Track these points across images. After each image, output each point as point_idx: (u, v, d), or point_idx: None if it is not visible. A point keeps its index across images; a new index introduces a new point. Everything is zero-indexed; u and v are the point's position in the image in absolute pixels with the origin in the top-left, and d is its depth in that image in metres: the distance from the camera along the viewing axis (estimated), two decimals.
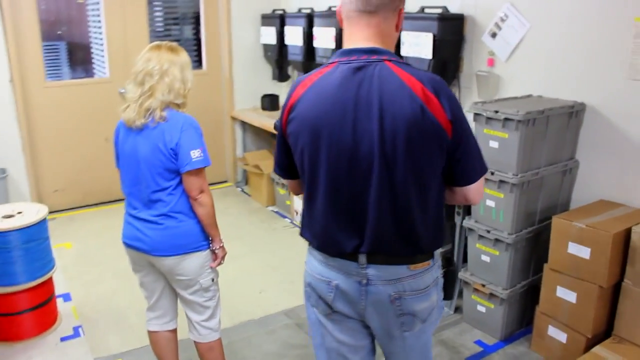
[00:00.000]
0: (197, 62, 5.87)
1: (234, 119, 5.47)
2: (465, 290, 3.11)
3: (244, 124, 5.49)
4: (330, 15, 4.33)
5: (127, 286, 3.43)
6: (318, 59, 4.54)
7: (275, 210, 4.97)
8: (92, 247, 4.19)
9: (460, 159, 1.50)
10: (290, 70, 5.36)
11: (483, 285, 2.96)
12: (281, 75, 5.33)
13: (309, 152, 1.51)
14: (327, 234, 1.56)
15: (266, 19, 5.25)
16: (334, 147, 1.47)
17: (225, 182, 5.69)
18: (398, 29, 1.53)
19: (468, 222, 2.97)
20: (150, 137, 2.09)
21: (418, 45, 3.47)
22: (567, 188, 3.02)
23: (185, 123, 2.10)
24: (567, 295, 2.66)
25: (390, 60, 1.45)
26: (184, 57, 2.17)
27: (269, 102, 5.36)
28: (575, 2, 2.87)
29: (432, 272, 1.59)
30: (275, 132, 1.95)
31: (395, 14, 1.49)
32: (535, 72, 3.10)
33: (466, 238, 3.09)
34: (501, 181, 2.74)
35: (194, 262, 2.23)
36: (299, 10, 4.89)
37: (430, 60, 3.40)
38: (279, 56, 5.15)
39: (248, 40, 5.39)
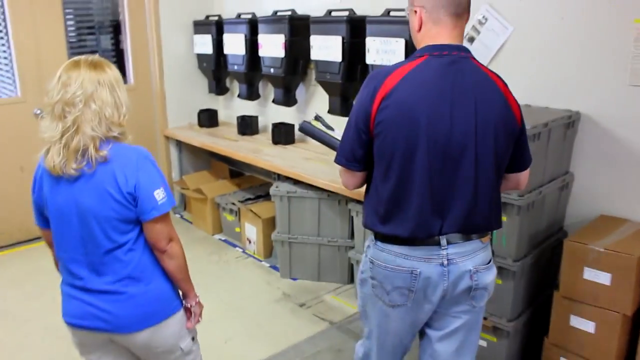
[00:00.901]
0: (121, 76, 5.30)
1: (167, 138, 4.92)
2: None
3: (179, 144, 4.95)
4: (277, 21, 3.92)
5: (66, 351, 2.84)
6: (264, 69, 4.10)
7: (223, 238, 4.48)
8: (12, 300, 3.52)
9: (521, 147, 1.75)
10: (229, 82, 4.89)
11: (485, 318, 2.65)
12: (219, 87, 4.85)
13: (406, 136, 1.60)
14: (421, 216, 1.64)
15: (200, 27, 4.75)
16: (432, 132, 1.58)
17: None
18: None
19: None
20: (93, 182, 1.64)
21: (387, 52, 3.14)
22: (563, 204, 2.79)
23: (140, 157, 1.69)
24: (583, 324, 2.41)
25: (473, 57, 1.67)
26: (112, 73, 1.69)
27: (207, 117, 4.87)
28: (565, 3, 2.64)
29: (490, 246, 1.79)
30: (302, 132, 2.29)
31: (467, 19, 1.70)
32: (520, 79, 2.85)
33: None
34: (505, 203, 2.45)
35: (172, 328, 1.82)
36: (239, 15, 4.44)
37: None
38: (216, 67, 4.67)
39: (180, 50, 4.86)
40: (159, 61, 4.75)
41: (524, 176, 1.83)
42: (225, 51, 4.45)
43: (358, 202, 3.23)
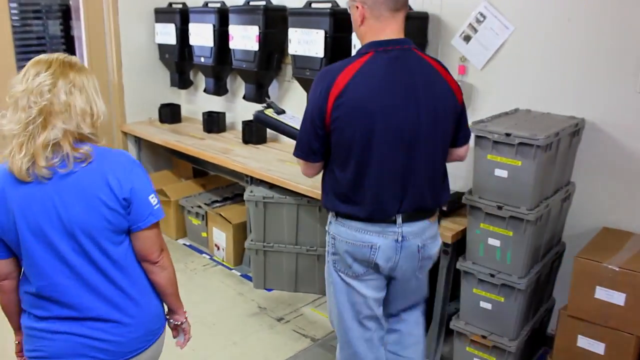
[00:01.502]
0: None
1: (125, 134, 4.55)
2: (457, 342, 2.63)
3: (138, 141, 4.58)
4: (250, 11, 3.63)
5: None
6: (235, 63, 3.81)
7: (188, 244, 4.17)
8: None
9: (461, 124, 1.91)
10: (193, 75, 4.56)
11: (484, 337, 2.49)
12: (182, 81, 4.51)
13: (361, 130, 1.74)
14: (378, 201, 1.82)
15: (161, 15, 4.39)
16: (385, 123, 1.73)
17: None
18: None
19: (464, 265, 2.48)
20: (77, 188, 1.42)
21: None
22: (564, 216, 2.65)
23: (129, 160, 1.53)
24: (592, 346, 2.27)
25: (415, 48, 1.80)
26: (89, 75, 1.52)
27: (169, 112, 4.52)
28: (572, 4, 2.48)
29: (437, 222, 2.01)
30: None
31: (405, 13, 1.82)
32: (520, 82, 2.69)
33: (454, 281, 2.62)
34: (512, 217, 2.28)
35: (159, 348, 1.68)
36: (206, 4, 4.11)
37: None
38: (180, 59, 4.33)
39: (140, 39, 4.49)
40: (116, 51, 4.37)
41: (464, 150, 2.00)
42: (191, 42, 4.11)
43: None
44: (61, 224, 1.41)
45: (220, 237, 3.82)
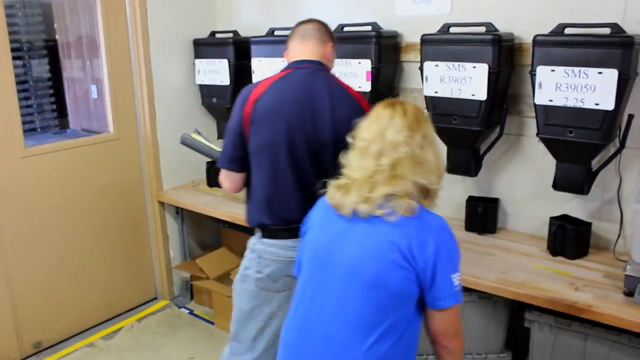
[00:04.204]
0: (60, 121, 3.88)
1: (162, 204, 3.50)
2: None
3: (180, 212, 3.55)
4: (355, 40, 2.72)
5: None
6: None
7: None
8: None
9: None
10: None
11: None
12: None
13: (274, 136, 1.89)
14: (296, 209, 1.89)
15: (204, 48, 3.41)
16: (296, 131, 1.87)
17: (153, 300, 3.65)
18: (327, 58, 2.03)
19: None
20: (378, 235, 1.41)
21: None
22: None
23: (446, 229, 1.44)
24: None
25: (327, 70, 2.02)
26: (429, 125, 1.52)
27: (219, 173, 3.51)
28: None
29: None
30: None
31: (323, 45, 2.02)
32: None
33: None
34: None
35: None
36: (272, 32, 3.15)
37: None
38: (232, 104, 3.33)
39: (176, 80, 3.47)
40: (148, 96, 3.32)
41: None
42: (255, 81, 3.14)
43: (538, 308, 2.15)
44: (345, 262, 1.44)
45: None
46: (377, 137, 1.45)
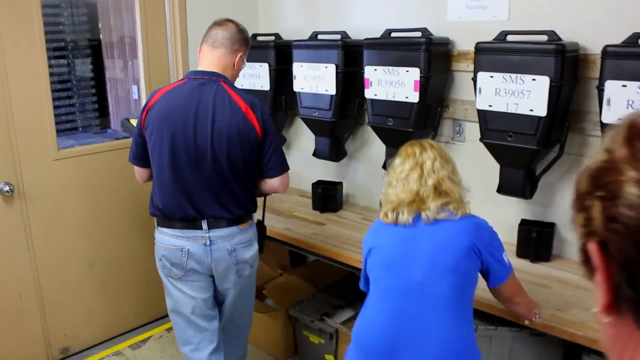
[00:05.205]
0: (101, 121, 3.84)
1: None
2: None
3: None
4: (403, 47, 2.53)
5: None
6: (373, 119, 2.70)
7: None
8: None
9: (264, 157, 2.15)
10: (292, 132, 3.44)
11: None
12: None
13: (160, 141, 2.08)
14: (176, 207, 2.11)
15: None
16: (178, 139, 2.05)
17: None
18: (234, 67, 2.21)
19: None
20: (446, 229, 1.74)
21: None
22: None
23: (487, 223, 1.81)
24: None
25: (225, 82, 2.13)
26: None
27: None
28: None
29: (252, 228, 2.26)
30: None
31: (233, 55, 2.18)
32: None
33: None
34: None
35: None
36: (315, 35, 3.00)
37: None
38: (273, 110, 3.21)
39: None
40: None
41: (277, 182, 2.21)
42: (296, 88, 3.00)
43: (598, 352, 1.91)
44: (426, 258, 1.69)
45: None
46: (415, 167, 1.76)
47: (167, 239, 2.14)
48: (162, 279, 2.25)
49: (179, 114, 2.04)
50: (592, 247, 0.53)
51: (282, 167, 2.20)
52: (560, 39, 2.19)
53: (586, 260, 0.55)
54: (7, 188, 2.64)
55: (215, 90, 2.07)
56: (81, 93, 3.97)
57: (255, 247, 2.27)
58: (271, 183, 2.20)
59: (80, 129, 3.94)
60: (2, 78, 2.60)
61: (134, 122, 2.52)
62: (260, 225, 2.40)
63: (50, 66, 3.30)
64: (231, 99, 2.07)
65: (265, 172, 2.18)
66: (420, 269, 1.68)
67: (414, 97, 2.51)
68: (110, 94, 4.00)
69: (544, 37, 2.21)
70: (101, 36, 3.89)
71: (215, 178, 2.07)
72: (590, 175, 0.53)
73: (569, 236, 2.43)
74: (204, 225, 2.10)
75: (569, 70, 2.16)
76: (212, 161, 2.05)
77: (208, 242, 2.11)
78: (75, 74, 3.96)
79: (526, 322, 1.95)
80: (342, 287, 3.12)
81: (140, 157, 2.20)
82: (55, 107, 3.31)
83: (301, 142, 3.46)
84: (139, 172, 2.26)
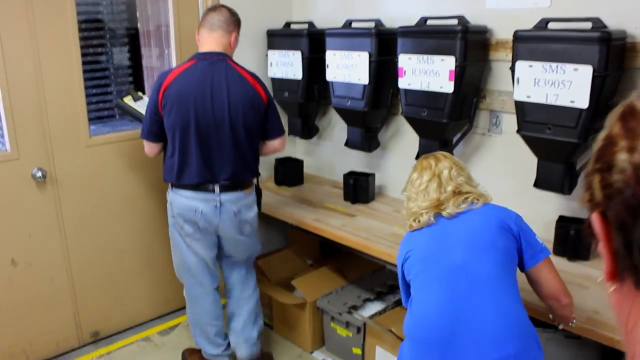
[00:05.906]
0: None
1: None
2: None
3: None
4: (439, 34, 2.45)
5: None
6: (407, 109, 2.63)
7: (330, 359, 2.97)
8: None
9: (268, 121, 2.48)
10: (326, 121, 3.39)
11: None
12: (306, 128, 3.34)
13: (182, 116, 2.32)
14: (199, 174, 2.38)
15: (277, 39, 3.25)
16: (199, 112, 2.31)
17: None
18: (231, 46, 2.48)
19: None
20: (473, 214, 1.81)
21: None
22: None
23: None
24: None
25: (230, 60, 2.42)
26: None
27: (290, 171, 3.36)
28: None
29: (253, 193, 2.57)
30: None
31: (229, 35, 2.45)
32: None
33: None
34: None
35: None
36: (349, 23, 2.94)
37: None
38: (306, 99, 3.17)
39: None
40: None
41: (278, 142, 2.56)
42: (328, 77, 2.95)
43: None
44: (465, 240, 1.74)
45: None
46: (433, 177, 1.83)
47: (182, 200, 2.42)
48: (171, 235, 2.55)
49: (197, 90, 2.30)
50: (594, 217, 0.55)
51: (281, 129, 2.56)
52: (605, 26, 2.07)
53: (593, 235, 0.57)
54: (40, 174, 2.68)
55: (225, 67, 2.36)
56: (118, 81, 3.99)
57: (255, 209, 2.58)
58: (273, 144, 2.55)
59: (117, 116, 3.98)
60: (35, 66, 2.63)
61: (127, 100, 2.74)
62: (257, 189, 2.64)
63: (88, 54, 3.33)
64: (240, 74, 2.39)
65: (268, 135, 2.51)
66: (459, 251, 1.71)
67: (449, 87, 2.43)
68: (147, 82, 4.02)
69: (588, 25, 2.10)
70: (139, 25, 3.90)
71: (232, 144, 2.36)
72: (593, 155, 0.56)
73: None
74: (216, 189, 2.40)
75: (615, 60, 2.05)
76: (229, 129, 2.34)
77: (218, 204, 2.41)
78: (112, 62, 3.99)
79: (560, 326, 1.87)
80: (372, 280, 3.06)
81: (155, 133, 2.42)
82: (92, 95, 3.36)
83: (334, 132, 3.41)
84: (152, 147, 2.47)
